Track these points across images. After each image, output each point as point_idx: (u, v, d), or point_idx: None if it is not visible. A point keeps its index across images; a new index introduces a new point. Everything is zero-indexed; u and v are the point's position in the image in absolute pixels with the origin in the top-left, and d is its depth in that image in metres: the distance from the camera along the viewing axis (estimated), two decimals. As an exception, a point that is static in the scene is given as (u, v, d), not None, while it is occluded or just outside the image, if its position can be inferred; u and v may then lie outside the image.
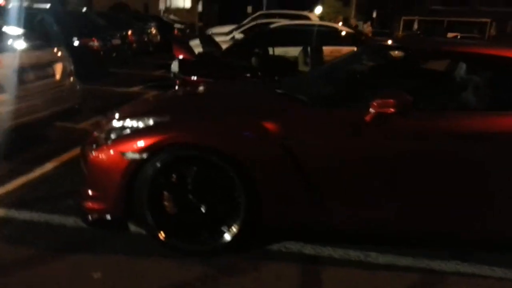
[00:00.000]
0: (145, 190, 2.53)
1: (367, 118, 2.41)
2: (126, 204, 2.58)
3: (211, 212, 2.58)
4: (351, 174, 2.48)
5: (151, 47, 12.71)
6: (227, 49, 5.69)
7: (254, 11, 33.49)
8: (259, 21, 10.29)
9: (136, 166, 2.51)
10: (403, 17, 34.39)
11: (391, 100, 2.32)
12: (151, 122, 2.62)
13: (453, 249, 2.77)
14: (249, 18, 13.35)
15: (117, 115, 2.96)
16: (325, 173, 2.49)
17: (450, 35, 25.88)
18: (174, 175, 2.57)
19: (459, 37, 25.58)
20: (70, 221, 2.98)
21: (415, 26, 34.81)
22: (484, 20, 33.95)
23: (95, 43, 8.30)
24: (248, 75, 5.25)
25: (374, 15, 30.13)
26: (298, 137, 2.46)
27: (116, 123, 2.76)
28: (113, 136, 2.67)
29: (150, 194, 2.54)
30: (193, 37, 11.82)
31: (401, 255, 2.71)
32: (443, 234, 2.61)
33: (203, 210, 2.57)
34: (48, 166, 4.02)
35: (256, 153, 2.47)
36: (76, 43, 8.27)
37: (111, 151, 2.56)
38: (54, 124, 4.85)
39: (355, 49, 6.47)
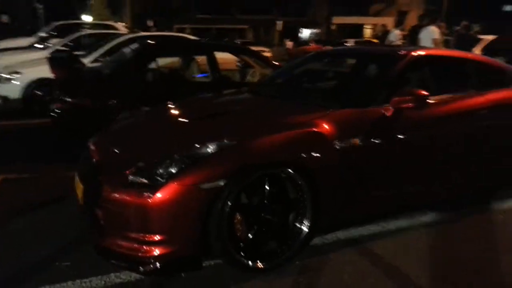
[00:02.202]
0: (224, 219, 2.38)
1: (389, 113, 2.92)
2: (201, 240, 2.37)
3: (281, 224, 2.63)
4: (387, 162, 2.93)
5: None
6: (120, 66, 5.13)
7: (13, 21, 29.09)
8: (80, 33, 9.34)
9: (213, 196, 2.33)
10: (175, 25, 36.02)
11: (408, 97, 2.88)
12: (212, 147, 2.44)
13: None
14: (49, 30, 11.82)
15: (145, 152, 2.60)
16: (369, 165, 2.85)
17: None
18: (244, 196, 2.50)
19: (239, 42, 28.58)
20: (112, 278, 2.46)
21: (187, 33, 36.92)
22: (243, 27, 38.87)
23: None
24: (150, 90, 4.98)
25: (151, 24, 30.47)
26: (345, 137, 2.74)
27: (163, 157, 2.43)
28: (162, 171, 2.36)
29: (229, 222, 2.41)
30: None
31: (414, 218, 3.36)
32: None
33: (275, 223, 2.60)
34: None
35: (319, 157, 2.63)
36: None
37: (180, 186, 2.29)
38: None
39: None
